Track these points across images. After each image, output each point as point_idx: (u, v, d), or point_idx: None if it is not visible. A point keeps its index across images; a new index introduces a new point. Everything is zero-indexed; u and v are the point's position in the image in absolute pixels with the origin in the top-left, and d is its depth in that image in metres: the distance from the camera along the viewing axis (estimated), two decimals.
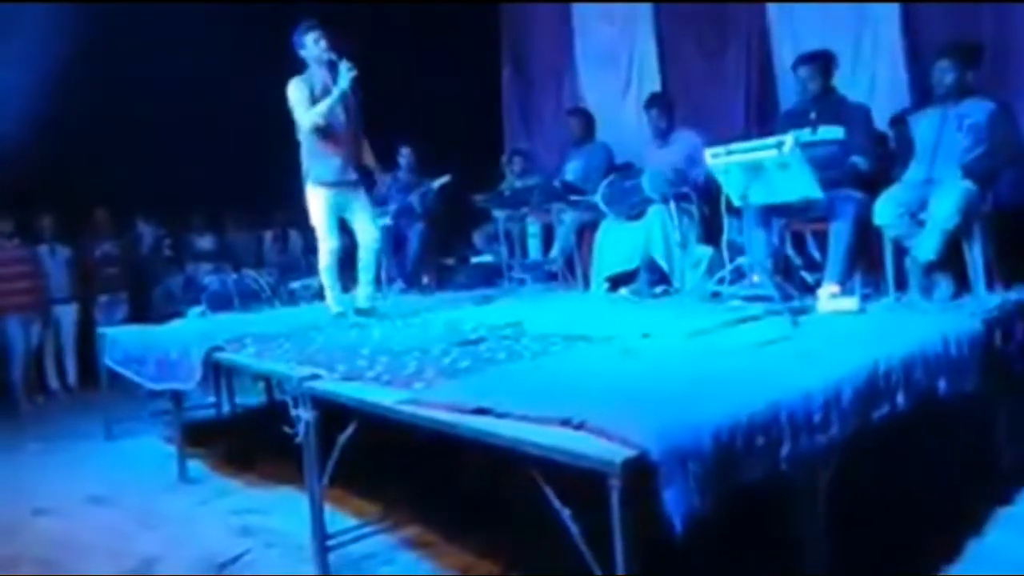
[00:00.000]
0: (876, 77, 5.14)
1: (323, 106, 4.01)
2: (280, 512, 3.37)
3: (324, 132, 4.07)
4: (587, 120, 6.10)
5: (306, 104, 4.03)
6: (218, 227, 7.62)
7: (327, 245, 4.18)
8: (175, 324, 4.66)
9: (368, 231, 4.27)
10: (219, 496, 3.70)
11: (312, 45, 4.09)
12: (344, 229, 4.34)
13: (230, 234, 7.70)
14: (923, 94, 4.68)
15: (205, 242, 7.48)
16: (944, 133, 3.77)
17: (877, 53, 5.16)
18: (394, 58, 6.73)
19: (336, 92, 4.01)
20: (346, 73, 3.99)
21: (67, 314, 6.43)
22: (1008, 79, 4.56)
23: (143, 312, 6.49)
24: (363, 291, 4.36)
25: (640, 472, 1.68)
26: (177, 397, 3.99)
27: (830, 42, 4.44)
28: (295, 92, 4.05)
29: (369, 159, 4.47)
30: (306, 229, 7.99)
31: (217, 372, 4.43)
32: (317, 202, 4.15)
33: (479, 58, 7.88)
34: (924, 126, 3.87)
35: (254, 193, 7.15)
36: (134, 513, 3.54)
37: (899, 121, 4.62)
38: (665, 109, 5.16)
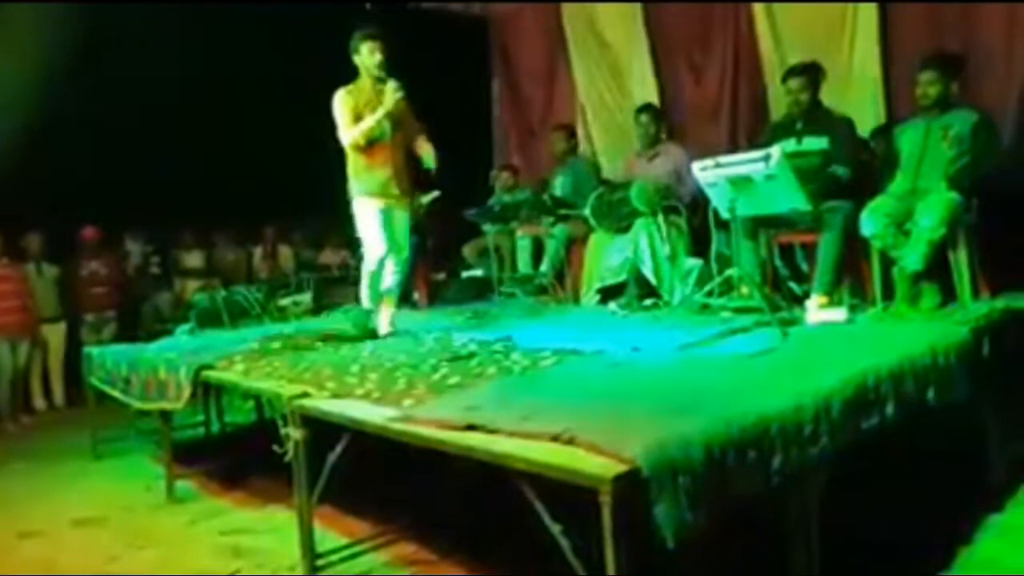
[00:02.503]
0: (856, 89, 5.20)
1: (364, 125, 3.92)
2: (270, 532, 3.34)
3: (368, 147, 3.98)
4: (571, 136, 6.21)
5: (349, 119, 3.93)
6: (207, 243, 7.59)
7: (376, 252, 4.05)
8: (163, 342, 4.62)
9: (401, 249, 4.17)
10: (208, 516, 3.66)
11: (367, 55, 3.99)
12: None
13: (219, 250, 7.68)
14: (903, 106, 4.75)
15: (194, 259, 7.44)
16: (929, 144, 3.82)
17: (857, 65, 5.22)
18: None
19: (379, 113, 3.92)
20: (392, 94, 3.91)
21: (54, 333, 6.38)
22: (986, 89, 4.63)
23: (132, 330, 6.44)
24: (387, 313, 4.22)
25: (631, 487, 1.68)
26: (165, 416, 3.96)
27: (813, 55, 4.50)
28: (340, 106, 3.96)
29: (429, 159, 4.20)
30: (296, 245, 8.07)
31: (206, 390, 4.40)
32: (366, 212, 4.04)
33: (469, 72, 7.91)
34: (909, 137, 3.92)
35: (244, 209, 7.15)
36: (122, 534, 3.49)
37: (881, 133, 4.68)
38: (654, 116, 5.21)
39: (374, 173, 4.02)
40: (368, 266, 4.11)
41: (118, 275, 6.84)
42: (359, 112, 3.94)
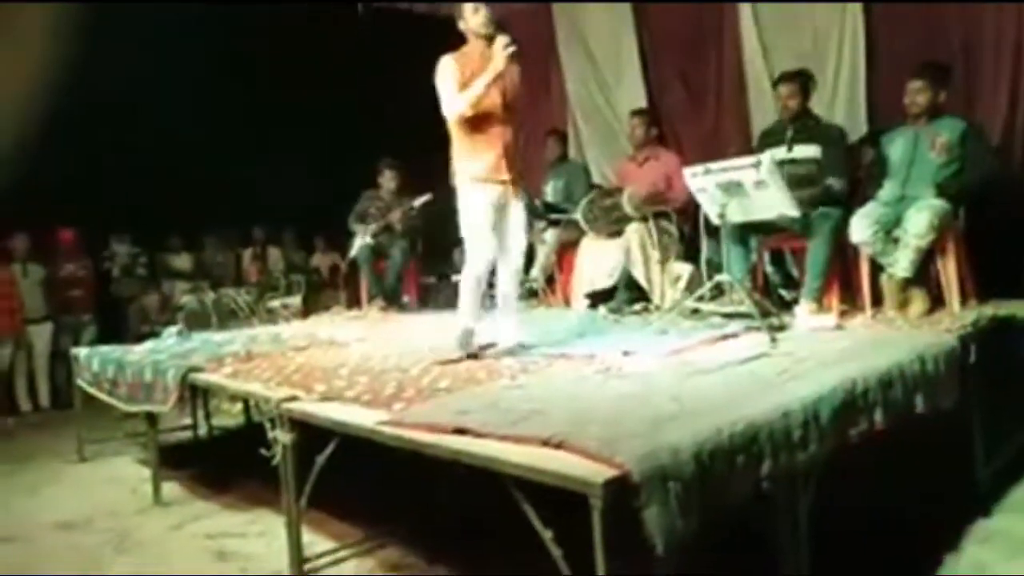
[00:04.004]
0: (842, 97, 5.24)
1: (471, 92, 3.27)
2: (257, 536, 3.32)
3: (475, 121, 3.35)
4: (564, 141, 6.28)
5: (456, 86, 3.30)
6: (196, 245, 7.56)
7: (483, 253, 3.37)
8: (150, 344, 4.58)
9: (513, 244, 3.53)
10: (195, 519, 3.63)
11: (471, 15, 3.41)
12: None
13: (208, 252, 7.64)
14: (882, 114, 4.79)
15: (182, 261, 7.40)
16: (917, 152, 3.85)
17: (842, 74, 5.26)
18: (374, 78, 6.76)
19: (488, 74, 3.26)
20: (502, 50, 3.28)
21: (40, 334, 6.32)
22: (973, 97, 4.67)
23: (111, 333, 6.37)
24: (506, 322, 3.58)
25: (622, 492, 1.67)
26: (152, 419, 3.93)
27: (799, 61, 4.53)
28: (445, 73, 3.35)
29: None
30: (286, 247, 8.04)
31: (194, 393, 4.36)
32: (472, 202, 3.37)
33: None
34: (897, 145, 3.94)
35: (233, 211, 7.12)
36: (107, 538, 3.46)
37: (868, 141, 4.72)
38: (645, 119, 5.23)
39: (481, 153, 3.38)
40: (471, 270, 3.37)
41: (94, 278, 6.77)
42: (466, 81, 3.32)
